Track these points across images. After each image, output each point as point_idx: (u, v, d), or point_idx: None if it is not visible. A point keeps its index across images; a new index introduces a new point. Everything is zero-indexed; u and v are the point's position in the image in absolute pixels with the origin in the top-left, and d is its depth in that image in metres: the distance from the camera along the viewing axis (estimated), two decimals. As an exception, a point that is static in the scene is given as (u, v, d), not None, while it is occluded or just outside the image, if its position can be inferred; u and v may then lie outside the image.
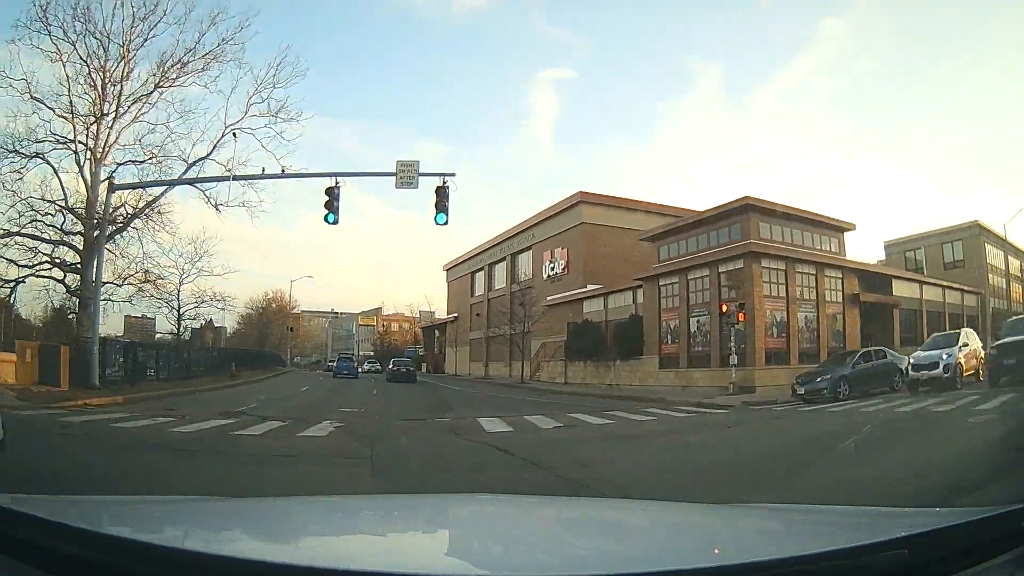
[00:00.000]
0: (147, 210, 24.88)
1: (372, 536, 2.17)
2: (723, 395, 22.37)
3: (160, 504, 2.39)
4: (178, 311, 39.01)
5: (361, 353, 73.94)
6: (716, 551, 1.86)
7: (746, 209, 27.52)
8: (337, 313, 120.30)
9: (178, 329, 42.00)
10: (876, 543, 1.41)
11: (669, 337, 30.44)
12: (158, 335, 53.36)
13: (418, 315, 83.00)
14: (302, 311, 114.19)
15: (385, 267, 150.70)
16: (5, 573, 1.34)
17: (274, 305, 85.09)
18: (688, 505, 3.37)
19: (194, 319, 44.01)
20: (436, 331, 72.77)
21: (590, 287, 38.31)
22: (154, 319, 45.76)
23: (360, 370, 52.82)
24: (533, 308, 39.67)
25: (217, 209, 24.75)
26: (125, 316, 47.07)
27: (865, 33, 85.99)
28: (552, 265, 43.93)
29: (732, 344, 24.43)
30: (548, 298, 40.90)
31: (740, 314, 24.21)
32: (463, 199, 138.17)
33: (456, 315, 62.34)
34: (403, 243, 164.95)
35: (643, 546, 1.98)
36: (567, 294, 40.33)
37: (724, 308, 25.03)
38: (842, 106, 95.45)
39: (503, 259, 53.66)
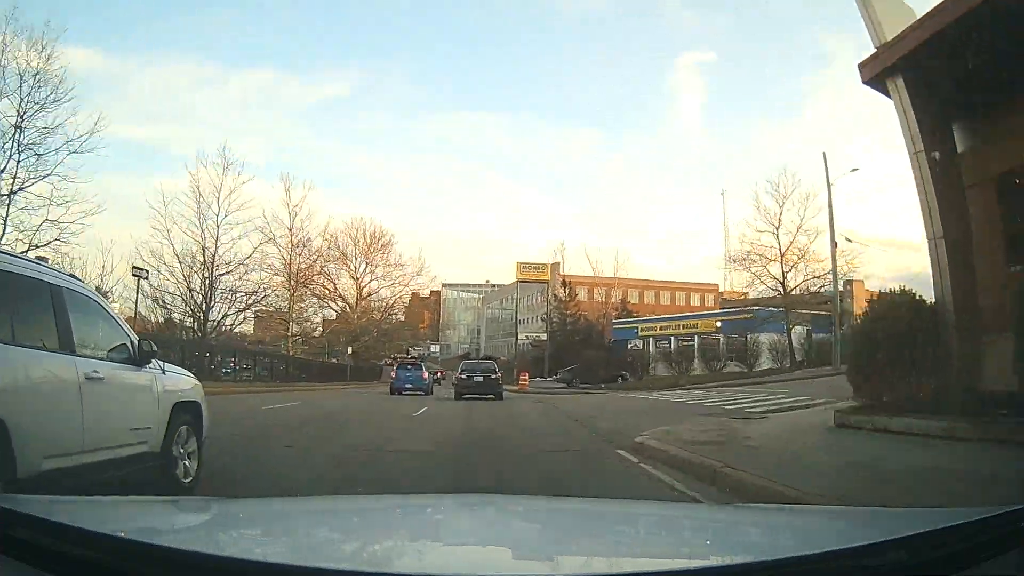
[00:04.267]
0: None
1: (371, 536, 2.16)
2: None
3: (160, 504, 2.39)
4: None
5: (524, 336, 43.98)
6: (716, 551, 1.86)
7: None
8: (493, 285, 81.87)
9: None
10: (876, 543, 1.41)
11: None
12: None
13: None
14: (443, 284, 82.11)
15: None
16: (5, 573, 1.34)
17: (361, 239, 51.92)
18: (688, 505, 3.38)
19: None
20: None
21: None
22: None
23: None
24: None
25: None
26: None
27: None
28: None
29: None
30: None
31: None
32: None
33: None
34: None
35: (643, 546, 1.98)
36: None
37: None
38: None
39: None
